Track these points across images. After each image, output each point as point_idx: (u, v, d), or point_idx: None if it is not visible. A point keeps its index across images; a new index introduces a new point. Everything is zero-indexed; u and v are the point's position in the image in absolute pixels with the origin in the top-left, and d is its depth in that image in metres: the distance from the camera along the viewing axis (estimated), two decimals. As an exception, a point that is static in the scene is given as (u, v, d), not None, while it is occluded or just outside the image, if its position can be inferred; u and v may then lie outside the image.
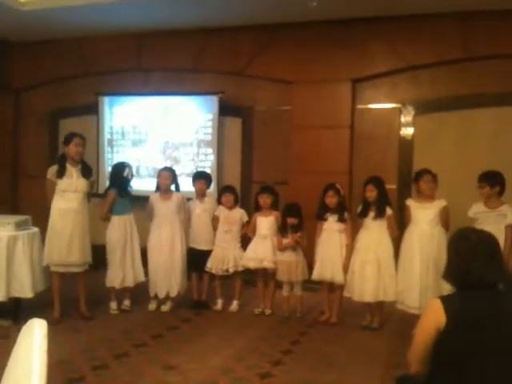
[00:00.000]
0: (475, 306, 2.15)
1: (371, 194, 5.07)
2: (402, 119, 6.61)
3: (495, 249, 2.26)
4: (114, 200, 5.45)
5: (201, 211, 5.72)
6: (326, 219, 5.23)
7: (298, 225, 5.30)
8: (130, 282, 5.45)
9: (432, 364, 2.18)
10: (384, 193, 5.13)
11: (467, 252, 2.22)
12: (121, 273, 5.41)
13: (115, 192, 5.46)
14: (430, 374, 2.21)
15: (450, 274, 2.29)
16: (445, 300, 2.16)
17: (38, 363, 1.59)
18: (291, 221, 5.28)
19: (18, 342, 1.81)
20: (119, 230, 5.42)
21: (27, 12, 6.44)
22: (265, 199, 5.50)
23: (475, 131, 6.29)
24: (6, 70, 7.99)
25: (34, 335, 1.66)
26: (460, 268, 2.22)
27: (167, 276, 5.50)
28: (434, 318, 2.13)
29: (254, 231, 5.54)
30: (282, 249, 5.32)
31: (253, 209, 5.80)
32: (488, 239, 2.28)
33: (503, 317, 2.15)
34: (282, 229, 5.36)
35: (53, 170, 5.09)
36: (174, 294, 5.53)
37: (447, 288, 4.65)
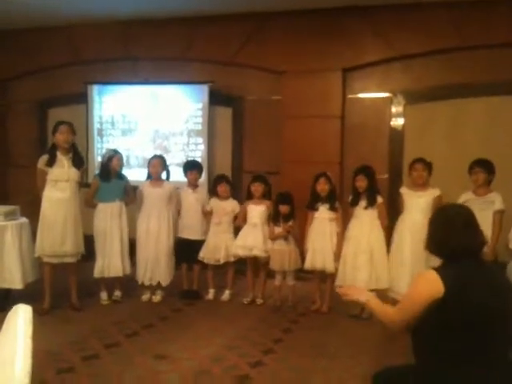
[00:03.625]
0: (467, 274, 2.27)
1: (362, 183, 5.07)
2: (393, 109, 6.60)
3: (471, 220, 2.40)
4: (96, 186, 5.42)
5: (194, 200, 5.68)
6: (316, 209, 5.23)
7: (290, 213, 5.29)
8: (118, 272, 5.39)
9: (430, 330, 2.28)
10: (374, 182, 5.14)
11: (446, 224, 2.39)
12: (103, 261, 5.36)
13: (97, 178, 5.46)
14: (420, 346, 2.34)
15: (431, 244, 2.45)
16: (439, 270, 2.28)
17: (23, 348, 1.59)
18: (284, 209, 5.26)
19: (3, 328, 1.80)
20: (103, 217, 5.36)
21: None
22: (256, 187, 5.48)
23: (467, 121, 6.29)
24: (-7, 59, 7.91)
25: (19, 321, 1.66)
26: (438, 239, 2.40)
27: (152, 264, 5.48)
28: (431, 288, 2.23)
29: (244, 219, 5.51)
30: (274, 238, 5.31)
31: (244, 199, 5.78)
32: (464, 211, 2.45)
33: (492, 284, 2.29)
34: (275, 217, 5.34)
35: (43, 159, 5.02)
36: (154, 282, 5.52)
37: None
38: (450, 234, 2.33)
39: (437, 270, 2.29)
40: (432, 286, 2.23)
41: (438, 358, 2.25)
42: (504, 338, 2.27)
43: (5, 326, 1.81)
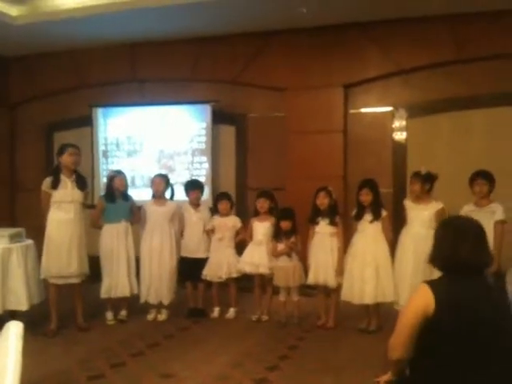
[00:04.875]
0: (461, 290, 2.19)
1: (367, 197, 5.07)
2: (395, 122, 6.63)
3: (479, 235, 2.28)
4: (101, 207, 5.47)
5: (196, 219, 5.71)
6: (317, 223, 5.23)
7: (292, 229, 5.30)
8: (125, 292, 5.40)
9: (417, 348, 2.20)
10: (379, 195, 5.14)
11: (451, 238, 2.27)
12: (110, 281, 5.38)
13: (102, 199, 5.51)
14: (414, 358, 2.24)
15: (435, 258, 2.33)
16: (432, 284, 2.20)
17: (13, 362, 1.61)
18: (285, 224, 5.27)
19: None
20: (109, 237, 5.40)
21: (20, 26, 6.50)
22: (262, 203, 5.50)
23: (469, 133, 6.31)
24: (2, 85, 8.05)
25: (10, 336, 1.68)
26: (444, 253, 2.27)
27: (155, 283, 5.49)
28: (422, 301, 2.16)
29: (251, 236, 5.53)
30: (277, 255, 5.31)
31: (248, 216, 5.80)
32: (472, 226, 2.32)
33: (487, 301, 2.20)
34: (277, 234, 5.35)
35: (47, 181, 5.07)
36: (157, 301, 5.51)
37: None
38: (455, 249, 2.22)
39: (430, 284, 2.21)
40: (423, 301, 2.16)
41: (429, 369, 2.20)
42: (498, 355, 2.16)
43: None
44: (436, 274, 4.73)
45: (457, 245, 2.22)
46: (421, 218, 4.96)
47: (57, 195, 5.02)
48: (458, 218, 2.51)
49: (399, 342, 2.24)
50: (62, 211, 5.03)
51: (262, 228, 5.47)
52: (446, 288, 2.19)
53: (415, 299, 2.22)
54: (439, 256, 2.31)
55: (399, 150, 6.60)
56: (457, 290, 2.18)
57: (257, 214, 5.56)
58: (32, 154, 8.18)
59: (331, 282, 5.14)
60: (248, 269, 5.45)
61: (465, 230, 2.28)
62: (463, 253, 2.20)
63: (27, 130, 8.24)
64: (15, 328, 1.73)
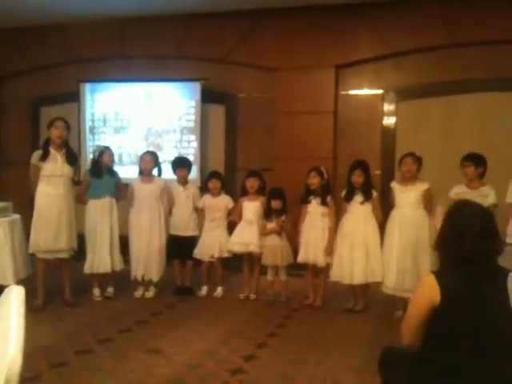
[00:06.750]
0: (467, 283, 2.13)
1: (359, 179, 5.08)
2: (385, 106, 6.64)
3: (489, 225, 2.19)
4: (87, 182, 5.42)
5: (184, 197, 5.69)
6: (309, 202, 5.24)
7: (282, 209, 5.31)
8: (106, 268, 5.35)
9: (425, 338, 2.20)
10: (370, 177, 5.17)
11: (458, 226, 2.19)
12: (93, 257, 5.35)
13: (87, 175, 5.46)
14: (422, 349, 2.22)
15: (440, 246, 2.27)
16: (439, 275, 2.15)
17: (16, 326, 1.60)
18: (275, 204, 5.28)
19: None
20: (94, 213, 5.35)
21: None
22: (252, 183, 5.49)
23: (458, 117, 6.34)
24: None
25: (12, 300, 1.67)
26: (450, 242, 2.20)
27: (144, 260, 5.48)
28: (428, 293, 2.13)
29: (240, 216, 5.52)
30: (266, 233, 5.32)
31: (237, 195, 5.79)
32: (482, 214, 2.23)
33: (492, 293, 2.12)
34: (267, 213, 5.36)
35: (37, 154, 5.00)
36: (147, 278, 5.51)
37: (425, 271, 4.71)
38: (462, 239, 2.14)
39: (438, 275, 2.15)
40: (429, 292, 2.12)
41: (429, 357, 2.18)
42: (497, 351, 2.11)
43: None
44: (423, 256, 4.78)
45: (458, 238, 2.15)
46: (408, 200, 4.98)
47: (46, 169, 4.96)
48: (464, 206, 2.30)
49: (407, 330, 2.25)
50: (51, 185, 4.97)
51: (252, 207, 5.47)
52: (452, 281, 2.13)
53: (421, 290, 2.20)
54: (443, 247, 2.26)
55: (388, 132, 6.62)
56: (462, 283, 2.13)
57: (245, 193, 5.56)
58: (17, 128, 8.05)
59: (320, 261, 5.18)
60: (237, 248, 5.45)
61: (468, 222, 2.17)
62: (464, 247, 2.13)
63: (13, 104, 8.09)
64: (17, 292, 1.72)
